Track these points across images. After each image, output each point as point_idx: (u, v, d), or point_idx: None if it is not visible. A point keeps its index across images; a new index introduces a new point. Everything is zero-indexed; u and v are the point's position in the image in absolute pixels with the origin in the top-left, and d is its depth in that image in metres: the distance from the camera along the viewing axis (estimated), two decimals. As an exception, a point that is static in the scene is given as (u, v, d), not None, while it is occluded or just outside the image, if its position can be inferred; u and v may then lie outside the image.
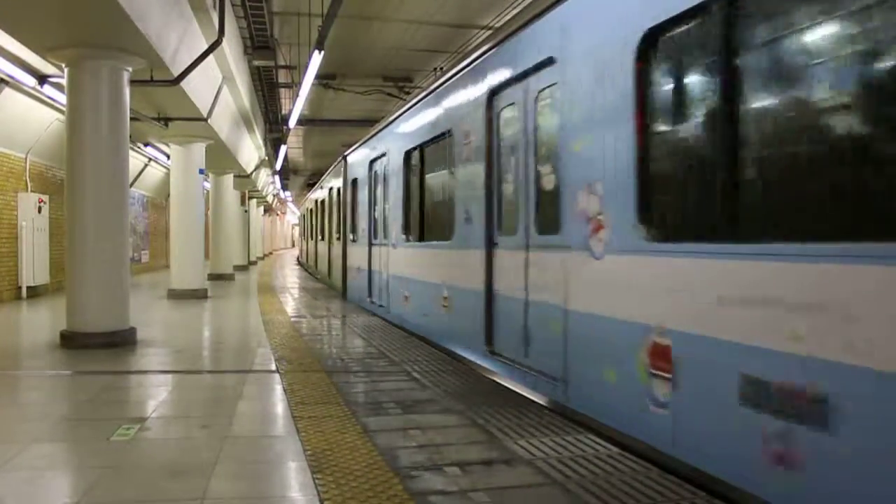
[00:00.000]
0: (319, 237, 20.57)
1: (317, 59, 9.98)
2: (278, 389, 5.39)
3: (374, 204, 11.13)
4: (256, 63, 14.73)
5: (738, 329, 3.14)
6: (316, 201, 21.76)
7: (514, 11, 10.44)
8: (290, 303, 12.80)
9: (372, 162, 11.20)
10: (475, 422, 4.36)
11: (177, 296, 13.42)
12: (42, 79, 10.49)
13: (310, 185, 31.11)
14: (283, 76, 17.55)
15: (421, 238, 8.55)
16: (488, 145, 6.11)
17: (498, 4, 12.34)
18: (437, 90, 7.61)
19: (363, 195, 11.89)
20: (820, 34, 2.93)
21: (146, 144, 16.86)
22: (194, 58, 8.90)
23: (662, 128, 3.86)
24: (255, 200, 33.25)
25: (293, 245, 75.45)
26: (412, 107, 8.76)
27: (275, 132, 22.96)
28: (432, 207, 8.26)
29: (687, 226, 3.69)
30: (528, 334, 5.27)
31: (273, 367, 6.29)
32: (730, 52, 3.29)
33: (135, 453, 3.86)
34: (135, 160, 16.72)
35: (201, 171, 14.00)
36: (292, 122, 16.23)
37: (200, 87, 10.77)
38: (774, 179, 3.16)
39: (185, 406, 5.12)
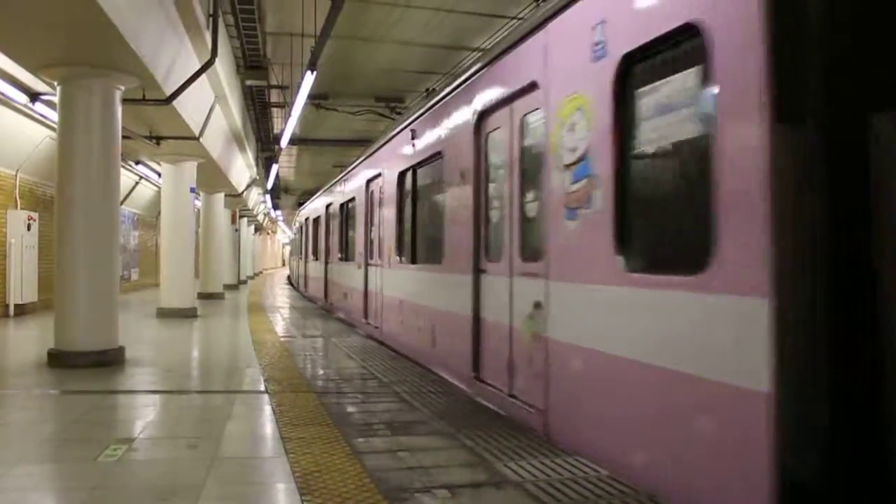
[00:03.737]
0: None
1: (309, 79, 10.06)
2: (267, 410, 5.37)
3: None
4: (249, 83, 14.81)
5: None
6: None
7: (505, 33, 10.56)
8: (280, 322, 12.76)
9: None
10: (464, 444, 4.36)
11: (166, 315, 13.33)
12: (34, 96, 10.50)
13: (300, 204, 31.01)
14: (275, 96, 17.65)
15: None
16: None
17: (489, 27, 12.50)
18: None
19: None
20: None
21: (137, 162, 16.85)
22: (187, 77, 8.94)
23: None
24: (245, 219, 33.21)
25: (283, 264, 75.51)
26: None
27: (266, 151, 23.02)
28: None
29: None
30: None
31: (262, 388, 6.27)
32: None
33: (122, 474, 3.84)
34: (126, 178, 16.70)
35: (192, 190, 14.00)
36: (284, 142, 16.30)
37: (192, 106, 10.80)
38: None
39: (173, 426, 5.09)
